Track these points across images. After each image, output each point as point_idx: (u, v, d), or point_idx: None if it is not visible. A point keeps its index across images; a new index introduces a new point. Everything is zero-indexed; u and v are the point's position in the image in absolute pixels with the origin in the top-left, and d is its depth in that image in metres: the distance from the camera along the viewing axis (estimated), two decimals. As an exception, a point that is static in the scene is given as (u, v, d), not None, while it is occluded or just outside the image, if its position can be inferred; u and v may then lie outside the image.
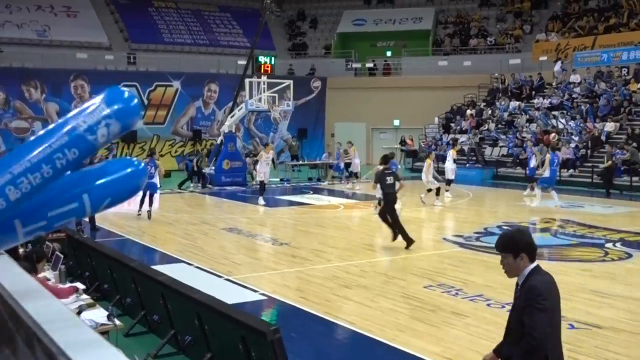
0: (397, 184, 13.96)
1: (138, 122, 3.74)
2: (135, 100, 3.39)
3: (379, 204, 16.90)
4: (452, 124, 35.50)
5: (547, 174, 19.69)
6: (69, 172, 3.28)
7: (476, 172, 29.78)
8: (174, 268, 11.51)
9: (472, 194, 23.70)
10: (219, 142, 28.73)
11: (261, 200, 21.12)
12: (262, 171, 21.13)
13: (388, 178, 13.87)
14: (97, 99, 3.30)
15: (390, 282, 10.75)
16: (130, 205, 17.64)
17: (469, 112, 34.83)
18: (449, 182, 22.39)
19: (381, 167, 14.36)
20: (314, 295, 9.92)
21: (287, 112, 35.32)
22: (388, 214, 13.68)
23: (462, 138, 33.33)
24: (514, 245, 4.21)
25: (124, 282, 8.64)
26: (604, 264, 12.21)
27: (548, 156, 19.91)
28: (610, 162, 23.72)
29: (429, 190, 20.64)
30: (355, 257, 12.79)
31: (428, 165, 20.57)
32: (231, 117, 28.35)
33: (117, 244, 14.07)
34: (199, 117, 35.31)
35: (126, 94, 3.34)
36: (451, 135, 34.31)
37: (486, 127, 33.21)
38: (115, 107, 3.27)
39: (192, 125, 35.03)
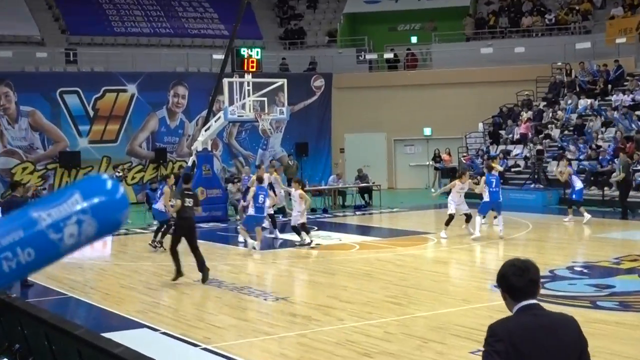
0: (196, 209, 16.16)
1: (121, 220, 3.67)
2: (121, 193, 3.37)
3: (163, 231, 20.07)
4: (503, 132, 35.60)
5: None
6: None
7: (536, 195, 29.81)
8: (134, 335, 11.50)
9: (532, 225, 23.71)
10: (190, 164, 28.80)
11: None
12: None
13: (188, 200, 15.76)
14: (73, 189, 3.30)
15: (424, 346, 10.73)
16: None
17: (524, 114, 34.94)
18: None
19: (183, 186, 16.33)
20: (323, 367, 9.88)
21: (280, 122, 35.49)
22: (187, 240, 15.77)
23: (516, 150, 33.40)
24: (498, 279, 4.66)
25: (66, 357, 8.63)
26: None
27: (483, 179, 21.77)
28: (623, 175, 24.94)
29: (467, 217, 21.54)
30: (376, 314, 12.77)
31: (453, 186, 21.61)
32: (206, 131, 28.48)
33: (57, 305, 14.05)
34: (162, 132, 35.49)
35: (109, 184, 3.33)
36: (501, 147, 34.39)
37: (548, 135, 33.28)
38: (94, 200, 3.25)
39: (153, 143, 35.19)
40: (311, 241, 20.32)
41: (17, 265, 3.16)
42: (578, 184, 24.32)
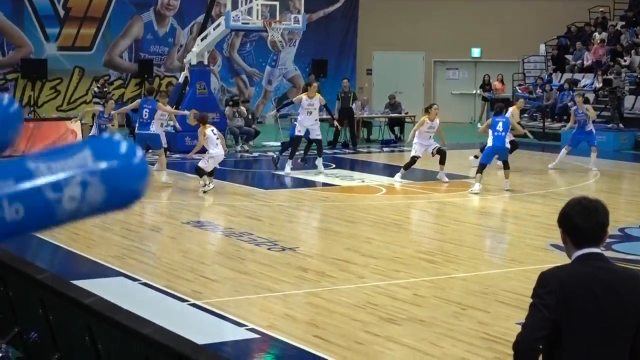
0: None
1: (139, 190, 3.55)
2: (139, 157, 3.29)
3: None
4: (570, 57, 35.33)
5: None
6: None
7: (607, 136, 29.66)
8: (109, 285, 11.54)
9: (601, 172, 23.62)
10: (181, 80, 28.75)
11: (287, 168, 22.84)
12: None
13: None
14: (83, 144, 3.22)
15: (462, 314, 10.76)
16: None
17: (597, 36, 34.63)
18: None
19: None
20: (337, 333, 9.93)
21: (294, 33, 35.31)
22: None
23: (586, 80, 33.17)
24: (559, 218, 4.83)
25: (27, 307, 8.70)
26: None
27: None
28: None
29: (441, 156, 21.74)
30: (405, 273, 12.78)
31: (422, 124, 21.47)
32: (202, 41, 28.37)
33: (18, 246, 14.14)
34: (148, 40, 35.41)
35: (123, 147, 3.25)
36: (567, 75, 34.17)
37: (626, 63, 33.02)
38: (106, 163, 3.19)
39: (137, 53, 35.11)
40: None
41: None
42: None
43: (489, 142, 20.51)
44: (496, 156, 20.85)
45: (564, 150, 23.86)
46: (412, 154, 21.45)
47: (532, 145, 30.01)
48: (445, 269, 13.20)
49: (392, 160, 26.81)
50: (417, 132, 21.48)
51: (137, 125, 21.70)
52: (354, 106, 29.84)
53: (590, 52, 34.09)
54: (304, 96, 23.35)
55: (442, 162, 21.65)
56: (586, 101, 24.87)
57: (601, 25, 35.58)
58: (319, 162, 23.29)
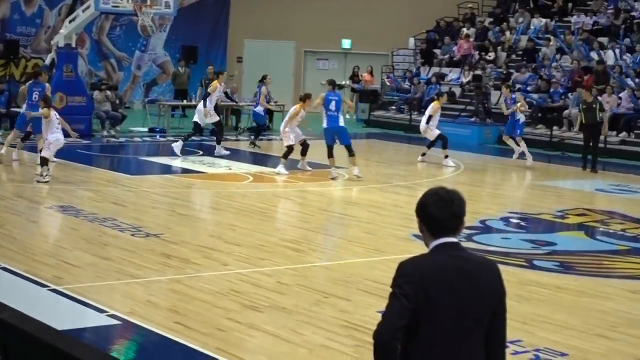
0: None
1: None
2: None
3: None
4: (438, 51, 35.83)
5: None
6: None
7: (472, 130, 30.20)
8: (-35, 270, 11.36)
9: (465, 165, 24.08)
10: (48, 62, 28.28)
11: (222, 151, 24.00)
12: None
13: None
14: None
15: (324, 302, 10.84)
16: None
17: (465, 31, 35.20)
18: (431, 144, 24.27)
19: None
20: (199, 320, 9.92)
21: (165, 19, 34.98)
22: None
23: (452, 74, 33.69)
24: (416, 208, 4.86)
25: None
26: (667, 284, 12.60)
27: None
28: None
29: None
30: (269, 260, 12.81)
31: (296, 113, 21.64)
32: (70, 22, 27.93)
33: None
34: (15, 20, 34.66)
35: None
36: (435, 69, 34.65)
37: (492, 58, 33.66)
38: None
39: (2, 33, 34.36)
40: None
41: None
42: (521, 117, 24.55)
43: (324, 124, 20.76)
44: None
45: (512, 142, 24.58)
46: (287, 143, 21.44)
47: (399, 137, 30.46)
48: (309, 258, 13.30)
49: (260, 148, 26.81)
50: (289, 122, 21.52)
51: (25, 107, 21.42)
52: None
53: (459, 47, 34.53)
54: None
55: (304, 153, 21.83)
56: (513, 90, 25.62)
57: (470, 21, 36.18)
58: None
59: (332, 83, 21.70)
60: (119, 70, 37.08)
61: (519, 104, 24.23)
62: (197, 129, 24.61)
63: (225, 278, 11.77)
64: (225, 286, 11.35)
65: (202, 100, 24.33)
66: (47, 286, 11.04)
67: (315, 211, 17.22)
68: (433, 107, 24.03)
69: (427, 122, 23.82)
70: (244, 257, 13.00)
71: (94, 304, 10.36)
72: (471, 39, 34.49)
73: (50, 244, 13.46)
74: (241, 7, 38.81)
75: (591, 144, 23.56)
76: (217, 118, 24.81)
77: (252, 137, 27.43)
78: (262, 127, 27.55)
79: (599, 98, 25.48)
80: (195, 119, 24.31)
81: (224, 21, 39.23)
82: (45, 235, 14.03)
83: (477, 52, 34.00)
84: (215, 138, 24.87)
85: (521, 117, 24.41)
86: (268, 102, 27.66)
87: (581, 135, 24.49)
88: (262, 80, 27.35)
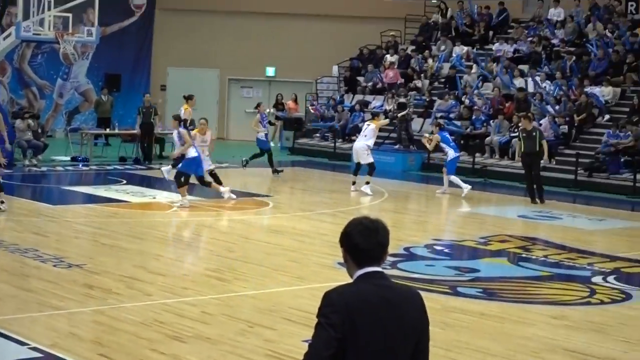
0: None
1: None
2: None
3: None
4: (361, 79, 36.03)
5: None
6: None
7: (396, 157, 30.37)
8: None
9: (388, 193, 24.19)
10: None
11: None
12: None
13: None
14: None
15: (249, 332, 10.80)
16: None
17: (388, 59, 35.48)
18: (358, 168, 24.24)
19: None
20: (123, 352, 9.82)
21: (87, 46, 34.78)
22: None
23: (376, 102, 33.89)
24: (341, 238, 4.85)
25: None
26: (589, 309, 12.75)
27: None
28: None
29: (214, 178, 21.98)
30: (193, 290, 12.76)
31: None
32: (-9, 50, 27.67)
33: None
34: None
35: None
36: (358, 96, 34.83)
37: (414, 86, 33.93)
38: None
39: None
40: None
41: None
42: (451, 152, 24.00)
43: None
44: None
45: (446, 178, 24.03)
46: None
47: (323, 165, 30.54)
48: (234, 287, 13.24)
49: (282, 173, 26.81)
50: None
51: None
52: (154, 121, 29.78)
53: (383, 74, 34.73)
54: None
55: (218, 181, 21.59)
56: (439, 125, 25.07)
57: (393, 48, 36.44)
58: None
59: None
60: (40, 99, 36.77)
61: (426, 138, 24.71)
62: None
63: (149, 308, 11.67)
64: (149, 316, 11.25)
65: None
66: (-34, 319, 10.87)
67: (239, 240, 17.16)
68: (374, 128, 23.90)
69: (367, 142, 23.70)
70: (168, 286, 12.91)
71: (15, 337, 10.20)
72: (395, 67, 34.75)
73: (-30, 276, 13.23)
74: (164, 35, 38.76)
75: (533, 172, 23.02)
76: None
77: (272, 165, 27.00)
78: (269, 151, 27.03)
79: (538, 126, 25.63)
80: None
81: (147, 49, 39.15)
82: (-35, 267, 13.79)
83: (400, 79, 34.24)
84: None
85: (450, 154, 23.92)
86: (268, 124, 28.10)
87: (503, 162, 24.70)
88: (257, 107, 27.49)
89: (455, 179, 23.56)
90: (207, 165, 21.48)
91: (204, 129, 21.59)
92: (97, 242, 16.42)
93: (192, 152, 20.31)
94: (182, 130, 20.79)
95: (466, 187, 23.37)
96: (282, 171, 26.73)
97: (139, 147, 29.68)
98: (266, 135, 27.13)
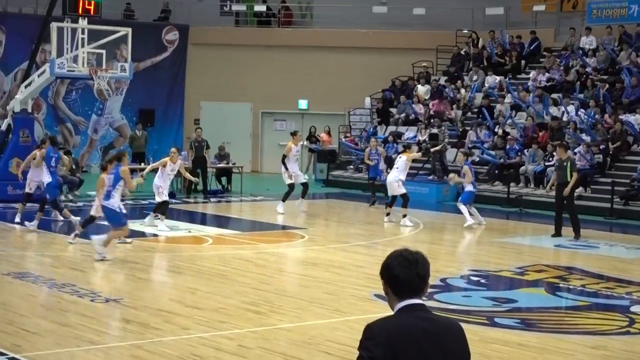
0: None
1: None
2: None
3: None
4: (394, 110, 36.06)
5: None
6: None
7: (430, 188, 30.32)
8: None
9: (424, 223, 24.15)
10: (4, 128, 28.16)
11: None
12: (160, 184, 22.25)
13: None
14: None
15: (287, 365, 10.80)
16: None
17: (421, 89, 35.49)
18: (393, 200, 24.26)
19: None
20: (161, 386, 9.84)
21: (121, 82, 35.07)
22: None
23: (409, 133, 33.88)
24: (381, 270, 4.90)
25: None
26: (628, 339, 12.68)
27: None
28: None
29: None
30: (230, 324, 12.78)
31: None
32: (26, 87, 27.87)
33: None
34: (-30, 85, 34.57)
35: None
36: (391, 128, 34.84)
37: (448, 116, 33.92)
38: None
39: (-43, 99, 34.27)
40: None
41: None
42: (469, 187, 23.82)
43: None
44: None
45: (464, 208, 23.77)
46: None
47: (357, 197, 30.51)
48: (270, 320, 13.24)
49: (219, 210, 26.78)
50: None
51: None
52: (206, 155, 29.96)
53: (415, 105, 34.71)
54: (292, 145, 25.35)
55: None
56: (466, 154, 25.44)
57: (425, 79, 36.45)
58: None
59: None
60: (75, 134, 37.00)
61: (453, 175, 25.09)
62: (291, 187, 25.57)
63: (186, 342, 11.69)
64: (187, 350, 11.28)
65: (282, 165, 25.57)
66: (5, 354, 10.91)
67: (276, 272, 17.20)
68: (406, 160, 23.86)
69: (399, 175, 23.73)
70: (205, 320, 12.93)
71: (54, 372, 10.27)
72: (428, 97, 34.76)
73: (9, 312, 13.29)
74: (196, 69, 38.97)
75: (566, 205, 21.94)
76: (291, 181, 25.46)
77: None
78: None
79: (572, 155, 25.37)
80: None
81: (180, 83, 39.34)
82: (3, 303, 13.85)
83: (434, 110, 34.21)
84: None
85: (467, 186, 23.87)
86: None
87: (538, 192, 24.54)
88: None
89: (463, 208, 23.51)
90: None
91: (174, 157, 21.82)
92: (133, 276, 16.46)
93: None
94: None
95: (470, 221, 23.27)
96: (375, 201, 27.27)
97: (183, 182, 29.65)
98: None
